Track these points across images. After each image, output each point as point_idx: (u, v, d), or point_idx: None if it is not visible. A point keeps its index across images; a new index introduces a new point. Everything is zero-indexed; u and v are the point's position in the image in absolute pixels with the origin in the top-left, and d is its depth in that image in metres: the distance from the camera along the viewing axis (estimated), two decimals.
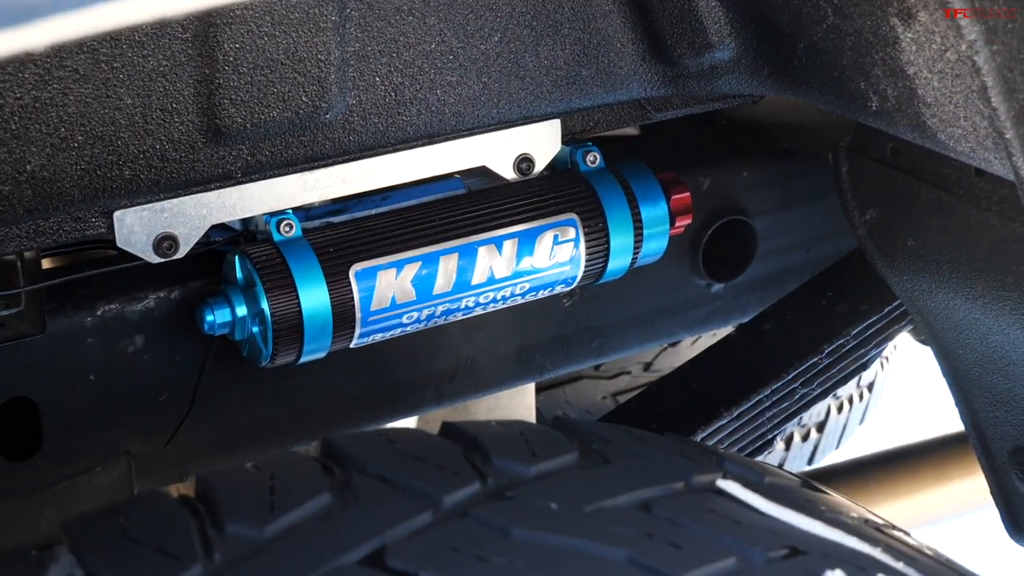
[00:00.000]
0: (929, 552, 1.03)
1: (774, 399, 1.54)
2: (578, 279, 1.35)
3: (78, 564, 0.85)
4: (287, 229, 1.23)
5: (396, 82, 1.19)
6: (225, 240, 1.25)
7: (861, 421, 2.66)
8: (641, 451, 1.01)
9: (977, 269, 1.36)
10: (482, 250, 1.29)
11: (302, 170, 1.22)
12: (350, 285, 1.22)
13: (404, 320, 1.27)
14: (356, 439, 0.95)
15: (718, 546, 0.87)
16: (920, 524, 2.00)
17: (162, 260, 1.18)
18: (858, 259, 1.58)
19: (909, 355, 2.80)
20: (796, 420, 1.60)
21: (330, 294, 1.21)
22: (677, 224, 1.41)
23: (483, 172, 1.34)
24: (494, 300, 1.32)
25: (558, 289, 1.36)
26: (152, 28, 1.06)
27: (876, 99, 1.20)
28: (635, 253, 1.38)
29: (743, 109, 1.60)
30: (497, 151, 1.32)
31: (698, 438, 1.49)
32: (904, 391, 3.17)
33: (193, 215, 1.19)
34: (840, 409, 2.57)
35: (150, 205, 1.17)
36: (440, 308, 1.29)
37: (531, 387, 1.91)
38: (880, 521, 1.06)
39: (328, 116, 1.17)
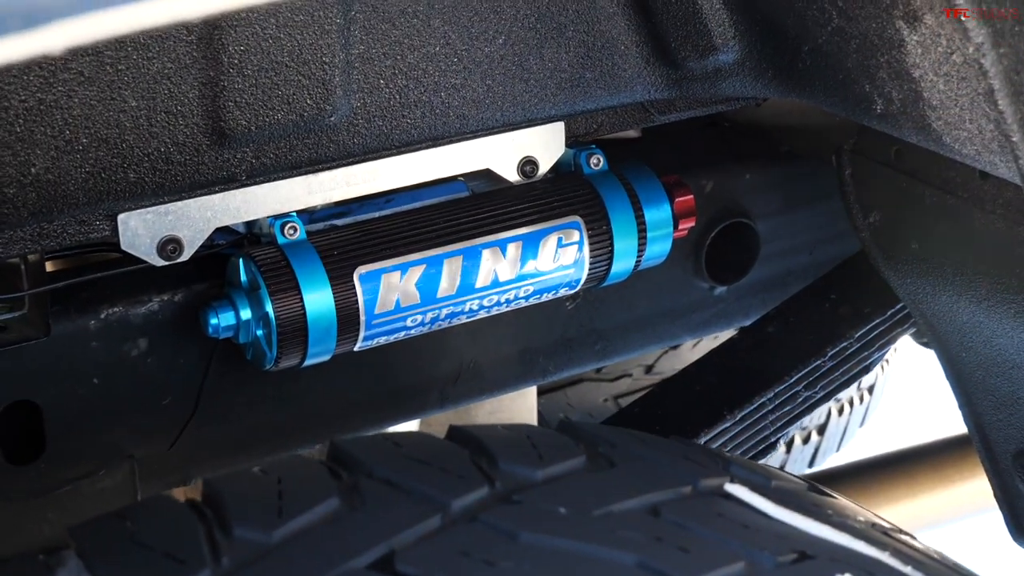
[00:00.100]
0: (936, 556, 1.03)
1: (777, 402, 1.54)
2: (582, 282, 1.35)
3: (86, 569, 0.84)
4: (291, 232, 1.22)
5: (400, 85, 1.19)
6: (229, 243, 1.25)
7: (861, 424, 2.66)
8: (647, 455, 1.01)
9: (981, 272, 1.36)
10: (486, 253, 1.29)
11: (306, 173, 1.22)
12: (354, 288, 1.22)
13: (408, 323, 1.27)
14: (363, 443, 0.94)
15: (727, 550, 0.87)
16: (921, 527, 2.00)
17: (166, 263, 1.18)
18: (861, 262, 1.58)
19: (909, 357, 2.79)
20: (799, 423, 1.59)
21: (334, 297, 1.21)
22: (681, 227, 1.41)
23: (487, 175, 1.34)
24: (498, 303, 1.32)
25: (562, 292, 1.35)
26: (157, 30, 1.05)
27: (881, 102, 1.20)
28: (639, 256, 1.37)
29: (746, 112, 1.60)
30: (501, 154, 1.32)
31: (702, 441, 1.49)
32: (904, 393, 3.17)
33: (197, 218, 1.19)
34: (841, 412, 2.57)
35: (154, 208, 1.16)
36: (444, 311, 1.28)
37: (533, 390, 1.90)
38: (887, 525, 1.06)
39: (333, 119, 1.17)
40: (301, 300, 1.19)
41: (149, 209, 1.16)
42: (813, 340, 1.56)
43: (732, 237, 1.60)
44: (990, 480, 1.52)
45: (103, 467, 1.27)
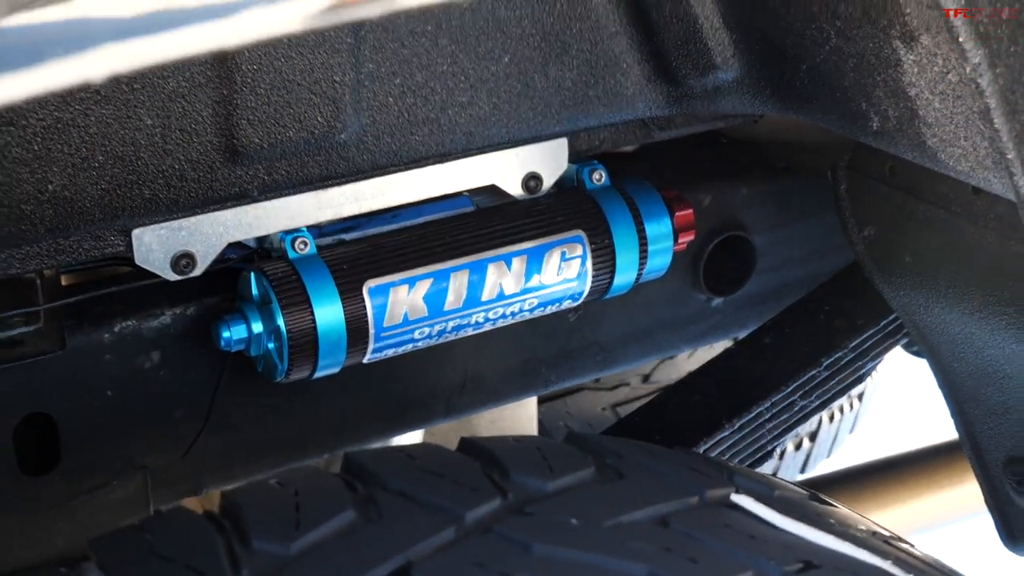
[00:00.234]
0: (934, 563, 1.03)
1: (774, 411, 1.53)
2: (585, 294, 1.35)
3: None
4: (302, 247, 1.22)
5: (409, 103, 1.19)
6: (240, 257, 1.24)
7: (851, 430, 2.66)
8: (654, 465, 1.00)
9: (974, 285, 1.36)
10: (492, 267, 1.28)
11: (316, 188, 1.22)
12: (363, 301, 1.22)
13: (416, 335, 1.26)
14: (377, 455, 0.94)
15: (735, 561, 0.87)
16: (910, 531, 2.00)
17: (180, 278, 1.17)
18: (854, 274, 1.58)
19: (896, 365, 2.80)
20: (795, 431, 1.59)
21: (344, 310, 1.21)
22: (680, 240, 1.41)
23: (492, 190, 1.33)
24: (503, 315, 1.31)
25: (565, 304, 1.35)
26: None
27: (877, 119, 1.20)
28: (640, 269, 1.37)
29: (743, 128, 1.60)
30: (506, 170, 1.32)
31: (701, 449, 1.48)
32: (891, 400, 3.17)
33: (210, 233, 1.18)
34: (831, 418, 2.57)
35: (168, 223, 1.16)
36: (451, 323, 1.28)
37: (533, 399, 1.90)
38: (887, 533, 1.06)
39: (343, 136, 1.16)
40: (312, 314, 1.19)
41: (163, 225, 1.16)
42: (808, 351, 1.56)
43: (729, 250, 1.59)
44: (981, 486, 1.52)
45: (116, 478, 1.26)
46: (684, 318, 1.61)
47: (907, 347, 1.87)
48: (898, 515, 2.03)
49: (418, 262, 1.25)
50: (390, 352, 1.26)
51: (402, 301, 1.24)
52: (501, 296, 1.29)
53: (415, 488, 0.89)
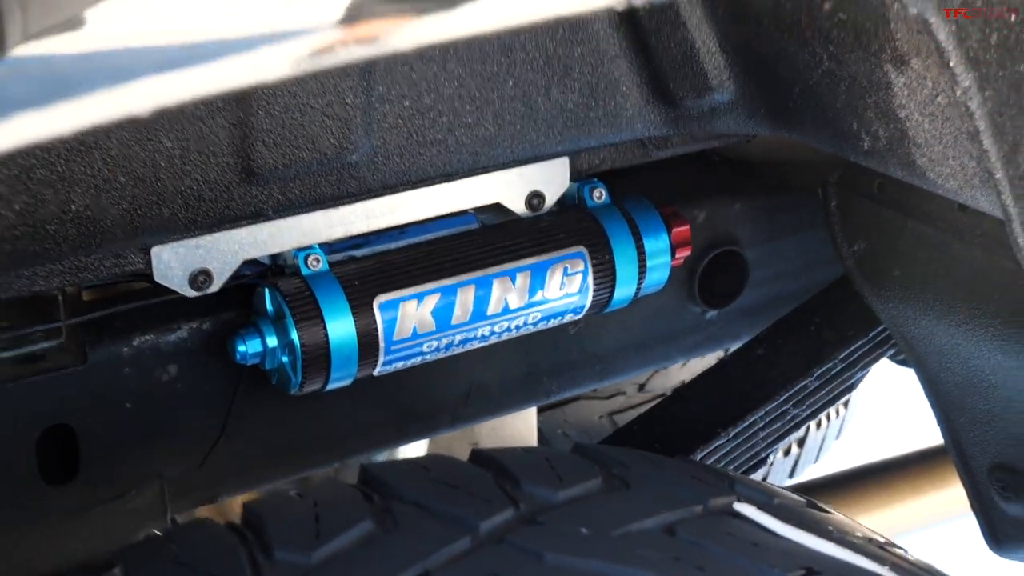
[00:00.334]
0: (927, 568, 1.03)
1: (768, 420, 1.54)
2: (586, 308, 1.35)
3: None
4: (314, 263, 1.22)
5: (418, 124, 1.19)
6: (255, 274, 1.24)
7: (837, 436, 2.67)
8: (659, 475, 1.01)
9: (960, 298, 1.37)
10: (497, 282, 1.29)
11: (328, 207, 1.22)
12: (374, 316, 1.22)
13: (424, 349, 1.27)
14: (392, 467, 0.94)
15: (739, 568, 0.87)
16: (895, 534, 2.00)
17: (197, 294, 1.17)
18: (843, 287, 1.58)
19: (878, 374, 2.80)
20: (787, 438, 1.60)
21: (356, 325, 1.21)
22: (677, 256, 1.41)
23: (496, 208, 1.34)
24: (508, 329, 1.31)
25: (568, 318, 1.35)
26: None
27: (868, 139, 1.20)
28: (639, 283, 1.37)
29: (735, 146, 1.60)
30: (510, 188, 1.32)
31: (698, 457, 1.48)
32: (874, 407, 3.18)
33: (226, 250, 1.18)
34: (819, 425, 2.58)
35: (186, 241, 1.16)
36: (458, 337, 1.28)
37: (533, 408, 1.90)
38: (882, 539, 1.06)
39: (354, 156, 1.16)
40: (324, 328, 1.19)
41: (181, 243, 1.16)
42: (800, 361, 1.56)
43: (723, 264, 1.60)
44: (967, 491, 1.53)
45: (135, 487, 1.26)
46: (680, 330, 1.61)
47: (892, 357, 1.87)
48: (884, 518, 2.04)
49: (426, 278, 1.25)
50: (400, 365, 1.26)
51: (411, 315, 1.24)
52: (506, 310, 1.30)
53: (430, 499, 0.89)
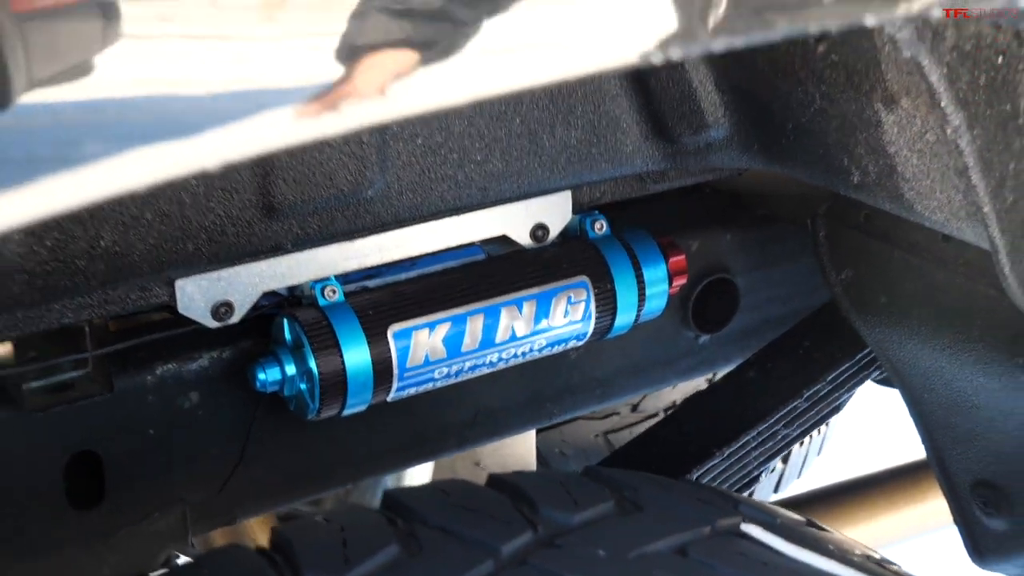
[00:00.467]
0: None
1: (760, 439, 1.54)
2: (589, 335, 1.35)
3: None
4: (331, 294, 1.22)
5: (430, 161, 1.19)
6: (273, 304, 1.24)
7: (819, 452, 2.67)
8: (667, 497, 1.00)
9: (944, 324, 1.37)
10: (504, 311, 1.28)
11: (344, 240, 1.22)
12: (388, 344, 1.21)
13: (436, 375, 1.26)
14: (415, 492, 0.93)
15: None
16: (878, 546, 2.00)
17: (219, 325, 1.17)
18: (831, 312, 1.58)
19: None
20: (779, 457, 1.60)
21: (371, 353, 1.20)
22: (674, 284, 1.41)
23: (502, 240, 1.33)
24: (515, 355, 1.31)
25: (571, 344, 1.35)
26: None
27: (858, 173, 1.21)
28: (639, 311, 1.37)
29: (727, 179, 1.61)
30: (516, 221, 1.32)
31: (694, 477, 1.48)
32: (851, 425, 3.18)
33: (247, 283, 1.18)
34: (801, 442, 2.57)
35: (208, 274, 1.15)
36: (468, 364, 1.28)
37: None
38: (878, 556, 1.06)
39: (369, 192, 1.16)
40: (341, 356, 1.18)
41: (204, 276, 1.15)
42: (790, 383, 1.57)
43: (715, 291, 1.60)
44: (949, 506, 1.53)
45: (157, 510, 1.25)
46: (675, 354, 1.61)
47: (874, 377, 1.87)
48: (867, 531, 2.04)
49: (438, 307, 1.25)
50: (412, 391, 1.26)
51: (423, 344, 1.23)
52: (513, 338, 1.29)
53: (452, 523, 0.89)
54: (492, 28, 0.66)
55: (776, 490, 2.57)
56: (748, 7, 0.70)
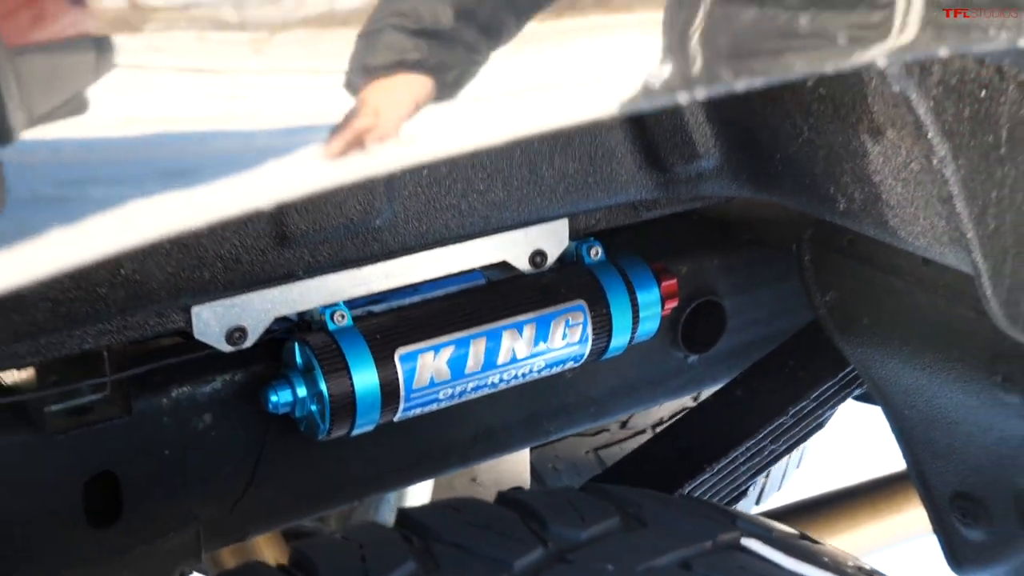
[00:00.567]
0: None
1: (748, 455, 1.54)
2: (586, 356, 1.35)
3: None
4: (340, 319, 1.22)
5: (435, 191, 1.19)
6: (284, 329, 1.23)
7: (797, 465, 2.68)
8: (668, 513, 1.00)
9: (925, 344, 1.38)
10: (506, 334, 1.29)
11: (352, 267, 1.22)
12: (395, 367, 1.21)
13: (440, 396, 1.26)
14: (429, 510, 0.93)
15: None
16: (860, 555, 2.00)
17: (233, 349, 1.17)
18: (815, 332, 1.59)
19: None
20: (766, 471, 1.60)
21: (379, 375, 1.20)
22: (666, 307, 1.42)
23: (502, 265, 1.34)
24: (515, 376, 1.31)
25: (568, 365, 1.35)
26: None
27: (844, 201, 1.22)
28: (633, 333, 1.38)
29: (715, 206, 1.62)
30: (515, 247, 1.33)
31: (686, 491, 1.49)
32: (827, 439, 3.19)
33: (260, 309, 1.18)
34: None
35: (223, 301, 1.15)
36: (471, 384, 1.28)
37: None
38: (869, 568, 1.07)
39: (377, 221, 1.17)
40: (351, 379, 1.18)
41: (219, 302, 1.15)
42: (776, 400, 1.57)
43: (704, 313, 1.61)
44: (929, 516, 1.54)
45: (172, 529, 1.25)
46: (665, 374, 1.62)
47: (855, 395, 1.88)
48: (848, 540, 2.04)
49: (442, 331, 1.25)
50: (418, 411, 1.26)
51: (429, 366, 1.24)
52: (514, 359, 1.30)
53: (466, 540, 0.89)
54: (486, 77, 0.66)
55: (757, 502, 2.58)
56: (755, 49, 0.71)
